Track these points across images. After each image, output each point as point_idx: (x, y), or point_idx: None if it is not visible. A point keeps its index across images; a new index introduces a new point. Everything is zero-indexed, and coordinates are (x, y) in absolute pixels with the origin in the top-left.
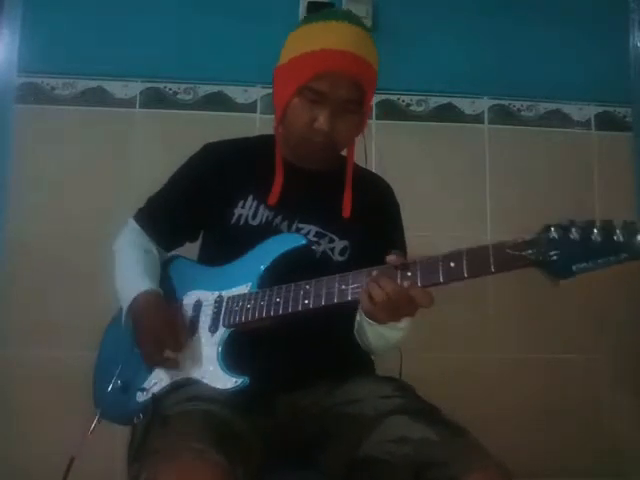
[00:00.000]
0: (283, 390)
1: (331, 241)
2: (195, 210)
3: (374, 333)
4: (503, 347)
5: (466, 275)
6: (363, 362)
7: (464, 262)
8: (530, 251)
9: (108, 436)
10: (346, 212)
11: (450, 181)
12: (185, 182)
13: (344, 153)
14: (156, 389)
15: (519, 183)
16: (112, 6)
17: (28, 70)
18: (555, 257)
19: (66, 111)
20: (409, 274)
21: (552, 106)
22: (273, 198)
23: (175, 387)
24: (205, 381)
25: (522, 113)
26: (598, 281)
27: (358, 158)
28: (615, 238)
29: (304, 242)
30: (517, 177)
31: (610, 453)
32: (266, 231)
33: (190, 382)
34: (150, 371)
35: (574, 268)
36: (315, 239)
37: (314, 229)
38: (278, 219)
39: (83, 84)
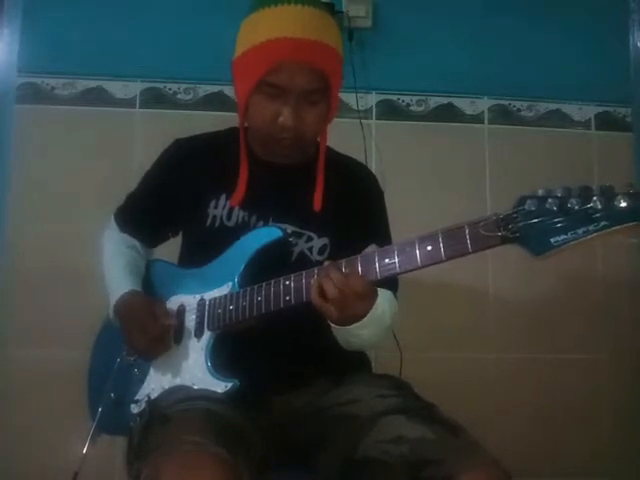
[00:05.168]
0: (277, 391)
1: (309, 240)
2: (168, 209)
3: (337, 333)
4: (503, 347)
5: (444, 257)
6: (359, 361)
7: (441, 244)
8: (503, 229)
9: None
10: (317, 206)
11: (450, 181)
12: (157, 180)
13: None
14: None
15: (519, 183)
16: (112, 6)
17: (28, 70)
18: (531, 232)
19: (66, 111)
20: (387, 261)
21: (552, 106)
22: (236, 199)
23: (171, 391)
24: (196, 387)
25: (522, 113)
26: (599, 281)
27: (358, 158)
28: (592, 205)
29: (279, 234)
30: (517, 177)
31: (610, 453)
32: (242, 232)
33: (183, 388)
34: (142, 382)
35: (553, 241)
36: (292, 239)
37: (290, 228)
38: (253, 219)
39: (83, 84)
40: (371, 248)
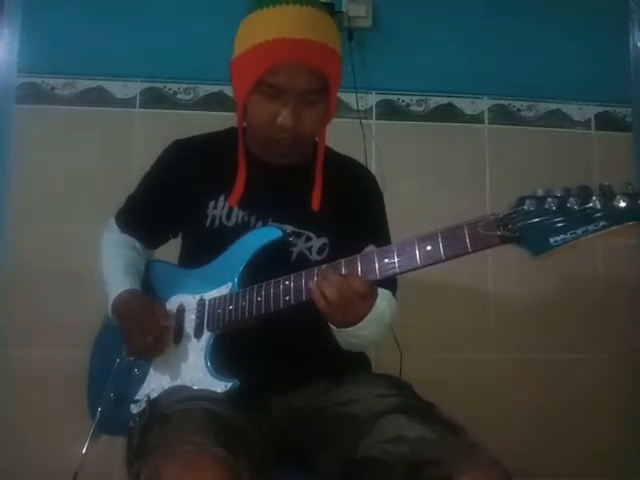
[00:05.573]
0: (277, 391)
1: (308, 239)
2: (168, 210)
3: (337, 334)
4: (503, 347)
5: (444, 257)
6: (359, 361)
7: (440, 244)
8: (502, 229)
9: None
10: (315, 205)
11: (450, 181)
12: (156, 181)
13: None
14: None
15: (519, 183)
16: (112, 6)
17: (28, 70)
18: (530, 232)
19: (66, 111)
20: (387, 261)
21: (552, 106)
22: (234, 199)
23: (171, 391)
24: (196, 387)
25: (522, 113)
26: (599, 281)
27: (358, 158)
28: (591, 205)
29: (279, 234)
30: (517, 177)
31: (610, 453)
32: (242, 232)
33: (182, 388)
34: (142, 382)
35: (552, 241)
36: (292, 239)
37: (289, 229)
38: (253, 219)
39: (83, 84)
40: (369, 248)
